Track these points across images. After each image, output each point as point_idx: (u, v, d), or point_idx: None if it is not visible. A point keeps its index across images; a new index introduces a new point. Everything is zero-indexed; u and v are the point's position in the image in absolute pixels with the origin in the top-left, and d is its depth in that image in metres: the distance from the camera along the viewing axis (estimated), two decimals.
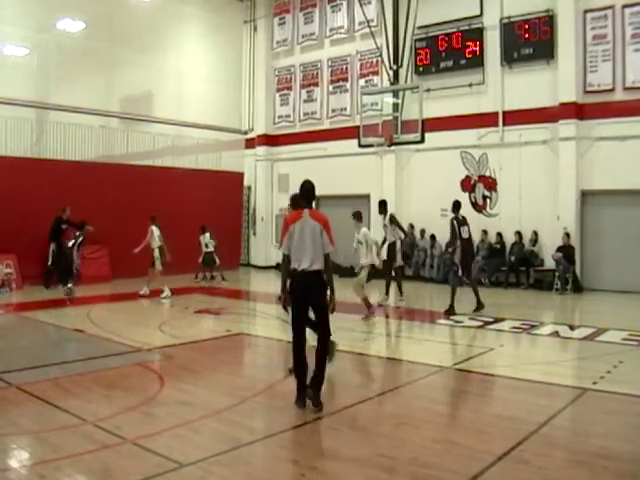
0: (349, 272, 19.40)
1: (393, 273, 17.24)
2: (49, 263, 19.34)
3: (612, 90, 19.32)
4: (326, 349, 7.95)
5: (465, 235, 15.52)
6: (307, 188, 8.15)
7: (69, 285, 18.26)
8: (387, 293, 17.06)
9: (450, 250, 15.92)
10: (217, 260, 22.22)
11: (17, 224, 18.95)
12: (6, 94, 19.41)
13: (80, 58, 22.68)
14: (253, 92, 28.41)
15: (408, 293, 16.94)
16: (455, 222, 15.47)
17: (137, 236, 17.89)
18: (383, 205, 17.17)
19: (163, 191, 22.73)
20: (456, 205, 15.87)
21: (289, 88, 27.80)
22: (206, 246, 21.98)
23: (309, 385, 7.79)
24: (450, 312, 15.10)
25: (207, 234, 22.10)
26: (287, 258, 7.97)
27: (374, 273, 15.19)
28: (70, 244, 18.47)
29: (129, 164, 23.35)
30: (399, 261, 17.06)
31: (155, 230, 18.11)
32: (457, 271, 15.59)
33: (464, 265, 15.53)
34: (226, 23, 27.82)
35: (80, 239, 18.51)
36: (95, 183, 20.90)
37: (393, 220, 16.97)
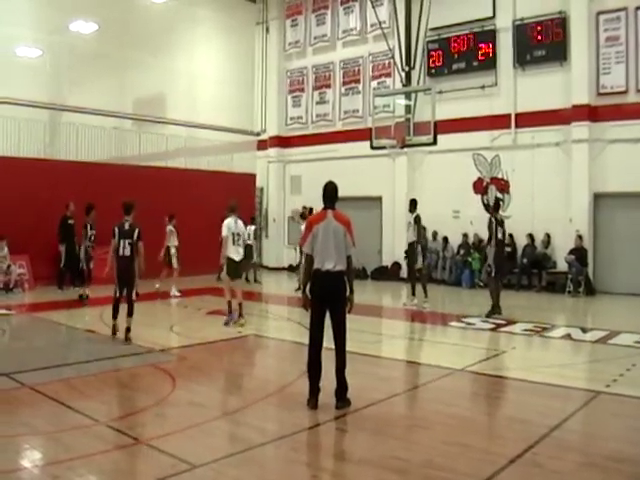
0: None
1: (417, 274, 17.12)
2: (61, 265, 19.36)
3: (625, 92, 19.26)
4: (345, 357, 7.93)
5: (500, 236, 15.41)
6: (330, 190, 8.17)
7: (86, 293, 17.28)
8: (413, 294, 16.97)
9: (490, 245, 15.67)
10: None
11: (30, 225, 18.99)
12: (19, 96, 19.47)
13: (93, 60, 22.74)
14: (265, 93, 28.41)
15: (421, 294, 16.86)
16: (494, 222, 15.31)
17: (150, 237, 17.93)
18: (413, 204, 17.11)
19: (175, 192, 22.74)
20: (496, 205, 15.83)
21: (301, 90, 27.83)
22: (249, 238, 21.54)
23: (335, 396, 7.82)
24: (494, 312, 14.98)
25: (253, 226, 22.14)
26: (310, 258, 7.98)
27: (236, 269, 14.05)
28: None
29: (142, 165, 23.39)
30: (419, 263, 16.87)
31: (172, 229, 18.24)
32: (491, 272, 15.41)
33: (498, 266, 15.37)
34: (238, 25, 27.85)
35: (88, 227, 17.27)
36: (108, 184, 20.89)
37: (417, 221, 16.83)
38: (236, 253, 13.86)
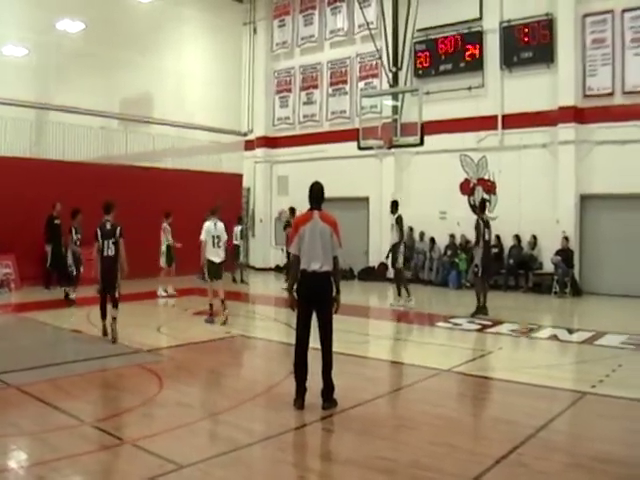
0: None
1: (398, 274, 17.19)
2: (47, 265, 19.29)
3: (611, 94, 19.35)
4: (332, 357, 7.94)
5: (487, 237, 15.46)
6: (316, 190, 8.17)
7: (73, 296, 16.53)
8: (399, 294, 16.99)
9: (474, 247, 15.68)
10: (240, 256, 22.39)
11: (16, 224, 18.91)
12: (6, 94, 19.37)
13: (80, 59, 22.64)
14: (253, 94, 28.42)
15: (403, 294, 16.88)
16: (481, 223, 15.34)
17: (137, 237, 17.87)
18: (395, 205, 17.09)
19: (163, 192, 22.66)
20: (482, 205, 15.85)
21: (289, 90, 27.82)
22: (235, 238, 21.79)
23: (321, 397, 7.84)
24: (480, 312, 15.02)
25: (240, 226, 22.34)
26: (297, 259, 7.98)
27: (217, 270, 14.32)
28: (76, 243, 16.25)
29: (129, 165, 23.31)
30: (399, 263, 16.91)
31: (167, 227, 18.27)
32: (477, 272, 15.41)
33: (485, 266, 15.39)
34: (226, 25, 27.83)
35: (74, 231, 16.39)
36: (94, 184, 20.78)
37: (399, 222, 16.89)
38: (216, 255, 14.15)
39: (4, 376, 9.01)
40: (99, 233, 11.87)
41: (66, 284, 17.02)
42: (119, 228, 11.93)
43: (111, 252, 11.86)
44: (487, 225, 15.49)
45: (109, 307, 11.94)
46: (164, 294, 18.23)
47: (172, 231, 18.64)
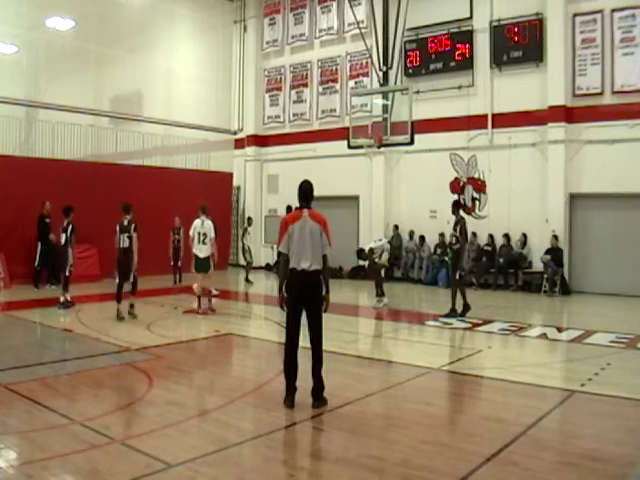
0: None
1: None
2: (36, 264, 19.22)
3: (601, 94, 19.42)
4: (322, 356, 7.94)
5: (468, 238, 15.47)
6: (305, 189, 8.16)
7: (67, 298, 15.78)
8: (382, 294, 16.96)
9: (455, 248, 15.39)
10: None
11: (5, 223, 18.88)
12: None
13: (69, 57, 22.63)
14: (243, 92, 28.40)
15: (397, 293, 16.90)
16: (463, 223, 15.05)
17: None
18: (455, 206, 15.68)
19: (152, 191, 22.65)
20: (456, 205, 15.60)
21: (279, 89, 27.80)
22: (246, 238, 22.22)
23: (311, 395, 7.85)
24: (467, 310, 14.86)
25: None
26: (286, 257, 7.97)
27: (201, 264, 15.39)
28: (63, 240, 15.80)
29: (118, 163, 23.28)
30: (462, 271, 15.64)
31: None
32: (462, 274, 15.22)
33: (463, 267, 15.39)
34: (216, 23, 27.82)
35: (70, 228, 15.76)
36: (84, 182, 20.80)
37: (458, 224, 15.36)
38: (199, 250, 15.30)
39: None
40: (117, 228, 14.02)
41: (62, 285, 16.09)
42: (134, 225, 13.97)
43: (125, 244, 13.91)
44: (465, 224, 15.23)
45: (127, 293, 14.07)
46: (216, 292, 17.62)
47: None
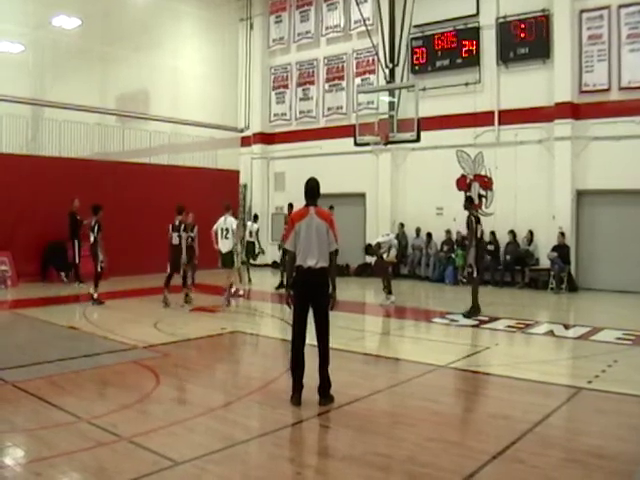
0: None
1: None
2: (76, 261, 19.55)
3: (608, 90, 19.35)
4: (328, 353, 7.94)
5: (479, 235, 15.10)
6: (311, 186, 8.14)
7: (95, 296, 16.05)
8: (388, 292, 16.89)
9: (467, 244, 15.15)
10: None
11: (12, 222, 18.91)
12: (1, 91, 19.35)
13: (76, 55, 22.65)
14: (249, 90, 28.39)
15: (404, 291, 16.88)
16: (473, 220, 14.92)
17: (133, 233, 17.88)
18: (469, 201, 15.95)
19: (159, 189, 22.67)
20: (469, 201, 15.55)
21: (285, 86, 27.79)
22: (250, 234, 21.32)
23: (318, 393, 7.86)
24: (475, 313, 14.64)
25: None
26: (293, 255, 7.98)
27: (224, 259, 16.24)
28: (92, 239, 16.08)
29: (125, 161, 23.32)
30: (474, 270, 15.38)
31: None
32: (472, 272, 15.03)
33: (479, 265, 15.11)
34: (222, 21, 27.81)
35: (97, 227, 15.93)
36: (91, 180, 20.82)
37: (470, 221, 15.73)
38: (222, 245, 16.20)
39: (0, 373, 9.01)
40: (170, 227, 15.81)
41: (93, 282, 16.31)
42: (183, 225, 15.87)
43: (175, 241, 15.73)
44: (478, 221, 15.10)
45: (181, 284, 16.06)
46: (241, 293, 17.82)
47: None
